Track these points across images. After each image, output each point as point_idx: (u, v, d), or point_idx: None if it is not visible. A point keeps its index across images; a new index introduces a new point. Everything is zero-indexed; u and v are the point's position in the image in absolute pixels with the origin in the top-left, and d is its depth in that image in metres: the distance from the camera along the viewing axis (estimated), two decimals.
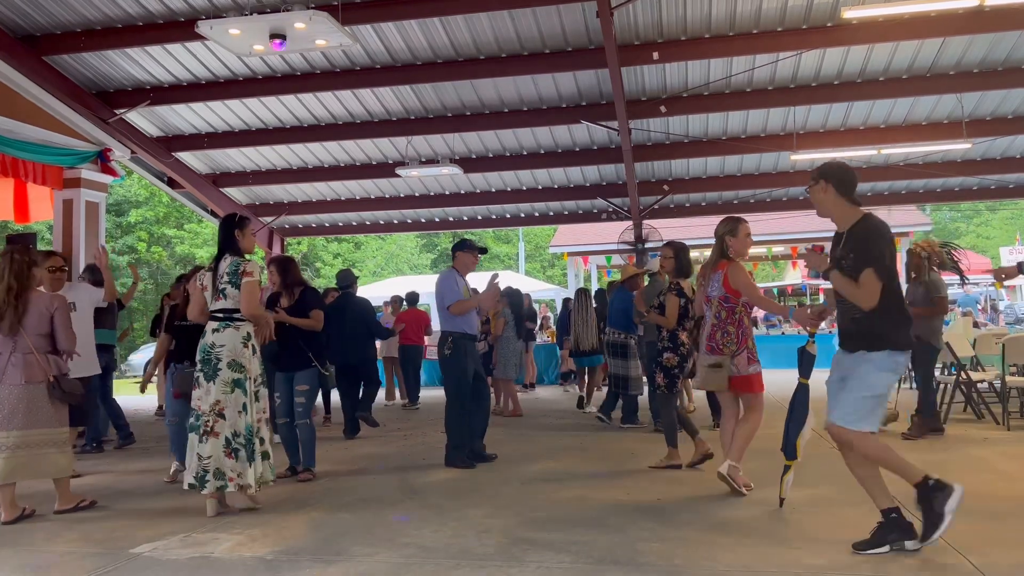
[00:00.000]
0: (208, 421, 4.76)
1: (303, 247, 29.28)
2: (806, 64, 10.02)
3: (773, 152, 12.28)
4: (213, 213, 14.59)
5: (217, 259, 5.02)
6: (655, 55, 9.44)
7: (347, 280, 8.96)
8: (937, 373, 7.96)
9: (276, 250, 15.55)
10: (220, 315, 4.91)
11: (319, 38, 6.85)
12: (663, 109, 10.83)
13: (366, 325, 8.85)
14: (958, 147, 11.55)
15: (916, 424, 7.10)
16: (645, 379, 8.25)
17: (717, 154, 12.48)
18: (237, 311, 4.90)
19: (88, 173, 10.54)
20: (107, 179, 10.99)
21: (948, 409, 7.87)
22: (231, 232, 5.09)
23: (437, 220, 15.67)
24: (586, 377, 10.55)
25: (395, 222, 15.80)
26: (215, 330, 4.89)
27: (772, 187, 13.62)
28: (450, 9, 8.67)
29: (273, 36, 6.71)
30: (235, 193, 14.38)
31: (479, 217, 15.53)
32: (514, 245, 36.77)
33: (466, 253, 6.56)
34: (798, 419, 4.49)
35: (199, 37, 7.16)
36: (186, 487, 4.77)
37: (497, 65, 9.96)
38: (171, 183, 13.46)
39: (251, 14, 6.90)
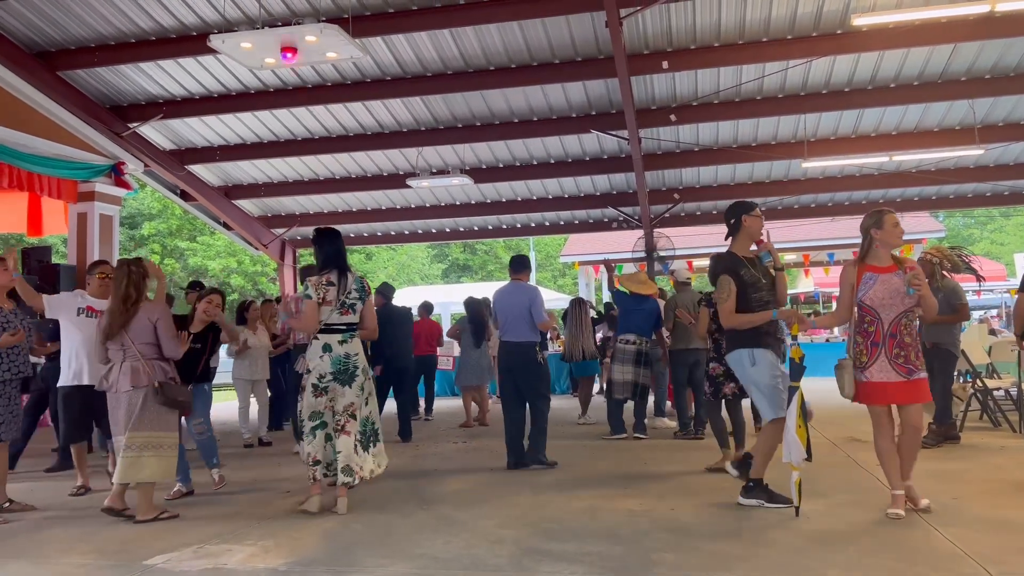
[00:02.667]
0: (340, 420, 5.07)
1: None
2: (816, 71, 10.01)
3: (784, 160, 12.25)
4: (226, 225, 14.68)
5: (339, 272, 5.17)
6: (665, 64, 9.45)
7: (387, 292, 9.63)
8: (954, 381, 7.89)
9: (288, 262, 15.62)
10: (343, 327, 5.13)
11: (330, 51, 6.90)
12: (673, 118, 10.83)
13: (408, 333, 9.36)
14: (971, 153, 11.50)
15: (932, 432, 7.03)
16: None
17: (728, 162, 12.46)
18: (356, 324, 5.21)
19: (102, 186, 10.64)
20: (121, 192, 11.10)
21: (964, 417, 7.80)
22: (344, 247, 5.34)
23: (448, 230, 15.70)
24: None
25: (406, 233, 15.85)
26: (343, 341, 5.11)
27: (783, 195, 13.60)
28: (460, 21, 8.72)
29: (284, 49, 6.77)
30: (247, 205, 14.47)
31: (490, 227, 15.55)
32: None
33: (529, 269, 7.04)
34: (788, 423, 4.60)
35: (211, 51, 7.22)
36: (321, 475, 5.09)
37: (507, 75, 9.99)
38: (184, 196, 13.56)
39: (262, 28, 6.95)
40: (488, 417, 10.25)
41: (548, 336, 15.50)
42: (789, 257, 19.12)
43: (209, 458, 6.03)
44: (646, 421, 8.55)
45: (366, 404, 5.20)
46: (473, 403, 10.31)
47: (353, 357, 5.11)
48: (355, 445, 5.07)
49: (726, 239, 5.13)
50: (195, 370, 5.91)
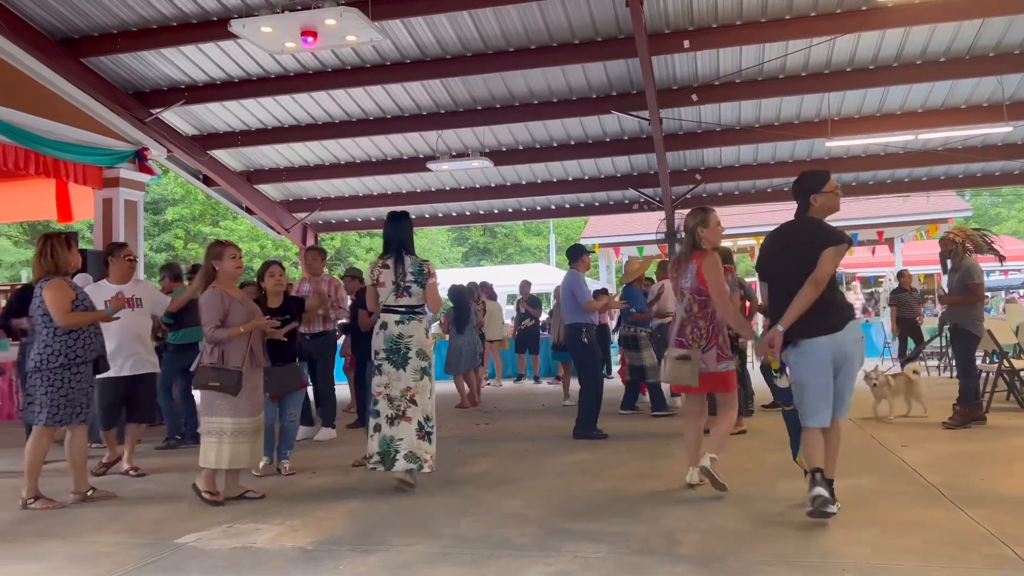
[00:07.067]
0: (400, 406, 5.08)
1: (336, 242, 29.53)
2: (840, 49, 9.86)
3: (807, 139, 12.11)
4: (248, 210, 14.78)
5: (395, 257, 5.24)
6: (686, 43, 9.35)
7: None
8: (979, 361, 7.82)
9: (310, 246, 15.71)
10: (402, 309, 5.18)
11: (350, 34, 6.91)
12: (695, 98, 10.72)
13: None
14: (999, 130, 11.29)
15: (958, 412, 6.98)
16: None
17: (750, 142, 12.33)
18: (419, 307, 5.23)
19: (126, 172, 10.73)
20: (144, 178, 11.18)
21: (990, 398, 7.72)
22: (411, 231, 5.39)
23: (468, 214, 15.70)
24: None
25: (426, 216, 15.86)
26: (399, 321, 5.16)
27: None
28: (479, 2, 8.67)
29: (304, 33, 6.79)
30: (269, 190, 14.55)
31: (510, 210, 15.54)
32: (545, 238, 36.74)
33: (587, 256, 7.65)
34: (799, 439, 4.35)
35: (232, 36, 7.26)
36: (371, 467, 5.08)
37: (526, 57, 9.94)
38: (206, 181, 13.66)
39: (283, 12, 6.96)
40: (479, 398, 10.48)
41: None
42: None
43: (287, 447, 6.03)
44: (667, 402, 8.78)
45: (429, 397, 5.15)
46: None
47: (407, 339, 5.12)
48: (416, 432, 5.05)
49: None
50: (294, 346, 5.99)
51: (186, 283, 8.04)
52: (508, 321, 14.97)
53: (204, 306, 5.01)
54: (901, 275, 12.92)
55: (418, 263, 5.26)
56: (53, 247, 5.10)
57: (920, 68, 10.20)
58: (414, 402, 5.09)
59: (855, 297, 20.69)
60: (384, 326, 5.17)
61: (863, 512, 4.21)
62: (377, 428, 5.08)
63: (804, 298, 4.06)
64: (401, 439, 5.05)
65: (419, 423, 5.09)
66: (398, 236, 5.33)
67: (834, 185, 4.39)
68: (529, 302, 13.91)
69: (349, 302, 8.51)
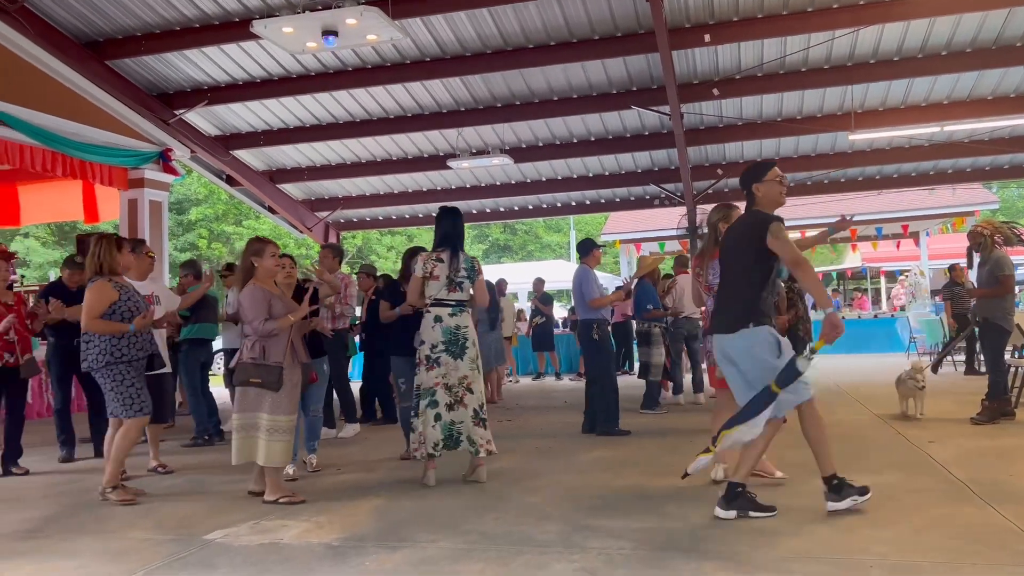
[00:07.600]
0: (458, 393, 5.23)
1: (358, 241, 29.67)
2: (864, 41, 9.76)
3: (830, 133, 12.00)
4: (270, 209, 14.90)
5: (451, 252, 5.33)
6: (707, 37, 9.31)
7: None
8: (1008, 355, 7.70)
9: None
10: (453, 303, 5.30)
11: (370, 33, 6.94)
12: (716, 92, 10.67)
13: None
14: None
15: (986, 408, 6.89)
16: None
17: (772, 136, 12.25)
18: (467, 301, 5.38)
19: (151, 173, 10.87)
20: (169, 178, 11.32)
21: (1019, 393, 7.61)
22: (463, 227, 5.49)
23: (488, 211, 15.73)
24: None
25: None
26: (453, 314, 5.28)
27: (829, 168, 13.34)
28: None
29: (325, 33, 6.83)
30: (292, 189, 14.66)
31: (530, 207, 15.55)
32: (565, 234, 36.69)
33: (598, 250, 7.59)
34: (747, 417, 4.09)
35: (254, 36, 7.32)
36: (429, 453, 5.14)
37: (546, 53, 9.94)
38: (229, 181, 13.79)
39: (303, 12, 7.01)
40: (500, 395, 10.55)
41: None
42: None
43: (312, 440, 6.02)
44: (679, 397, 9.11)
45: (478, 384, 5.30)
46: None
47: (463, 329, 5.26)
48: (472, 418, 5.20)
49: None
50: (316, 341, 5.88)
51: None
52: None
53: (248, 302, 4.95)
54: (953, 269, 11.89)
55: (470, 259, 5.38)
56: (102, 248, 5.18)
57: (946, 59, 10.07)
58: (470, 390, 5.24)
59: (901, 291, 19.78)
60: (439, 319, 5.26)
61: (890, 509, 4.17)
62: (438, 417, 5.18)
63: (807, 281, 4.10)
64: (461, 422, 5.20)
65: (475, 410, 5.24)
66: (454, 231, 5.43)
67: (777, 174, 4.38)
68: (541, 299, 13.91)
69: (366, 300, 8.57)
